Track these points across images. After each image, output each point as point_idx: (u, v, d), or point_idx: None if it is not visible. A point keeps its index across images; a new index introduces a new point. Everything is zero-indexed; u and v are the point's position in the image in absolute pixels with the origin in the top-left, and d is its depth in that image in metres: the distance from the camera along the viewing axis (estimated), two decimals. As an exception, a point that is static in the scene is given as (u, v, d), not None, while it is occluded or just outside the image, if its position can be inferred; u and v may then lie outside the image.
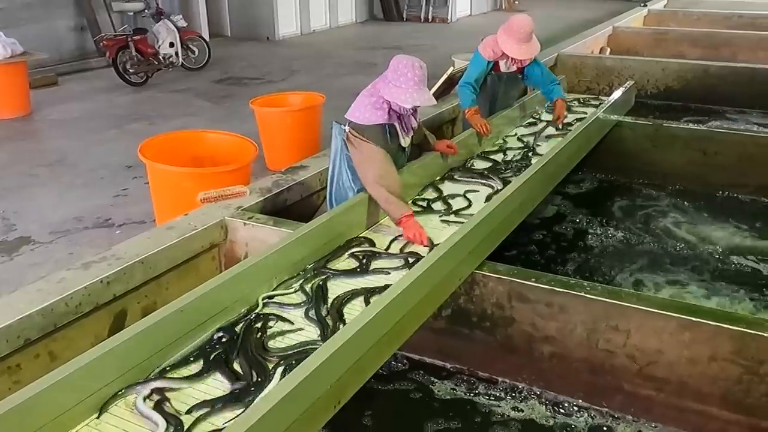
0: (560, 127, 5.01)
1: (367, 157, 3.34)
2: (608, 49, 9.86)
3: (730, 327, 2.69)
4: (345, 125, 3.46)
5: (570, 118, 5.38)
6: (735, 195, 5.38)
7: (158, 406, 2.14)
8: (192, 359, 2.39)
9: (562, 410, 3.06)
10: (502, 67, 4.80)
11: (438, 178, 4.12)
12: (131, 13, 10.47)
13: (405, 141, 3.56)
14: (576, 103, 6.01)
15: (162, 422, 2.06)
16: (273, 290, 2.84)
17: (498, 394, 3.15)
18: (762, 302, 3.97)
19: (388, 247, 3.26)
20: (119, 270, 2.94)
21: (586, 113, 5.56)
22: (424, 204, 3.77)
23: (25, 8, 9.80)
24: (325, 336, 2.49)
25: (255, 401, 2.08)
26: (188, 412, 2.14)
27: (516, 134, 5.07)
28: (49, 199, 5.44)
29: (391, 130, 3.43)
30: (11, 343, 2.54)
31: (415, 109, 3.57)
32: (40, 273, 3.94)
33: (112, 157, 6.38)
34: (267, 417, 1.87)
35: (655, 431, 2.95)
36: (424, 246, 3.22)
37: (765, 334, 2.63)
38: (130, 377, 2.23)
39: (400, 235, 3.31)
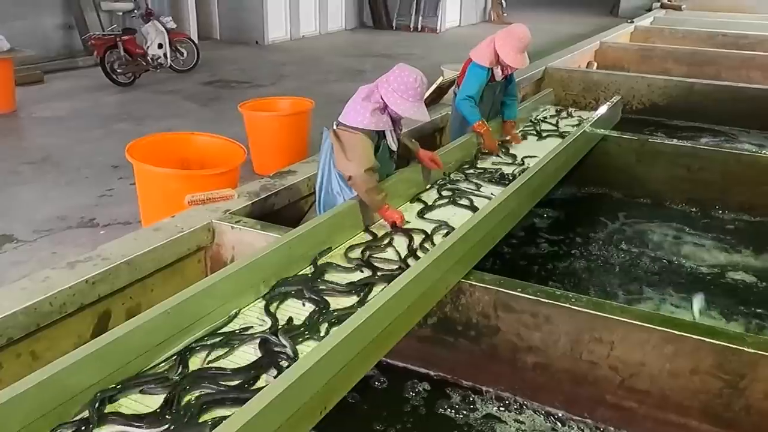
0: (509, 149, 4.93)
1: (354, 145, 3.33)
2: (595, 64, 9.96)
3: (712, 341, 2.72)
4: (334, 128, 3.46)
5: (559, 128, 5.44)
6: (718, 211, 5.44)
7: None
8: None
9: (545, 420, 3.07)
10: (497, 76, 4.79)
11: (428, 187, 4.14)
12: (120, 13, 10.42)
13: (393, 145, 3.58)
14: (563, 115, 6.07)
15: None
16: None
17: (482, 404, 3.16)
18: (743, 317, 4.02)
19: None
20: (105, 270, 2.91)
21: (572, 127, 5.62)
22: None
23: (12, 4, 9.73)
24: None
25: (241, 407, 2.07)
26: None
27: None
28: (32, 198, 5.39)
29: (381, 135, 3.47)
30: (-7, 341, 2.51)
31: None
32: (22, 272, 3.90)
33: (97, 156, 6.34)
34: (252, 422, 1.86)
35: (636, 443, 2.98)
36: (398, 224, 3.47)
37: (746, 349, 2.67)
38: (112, 380, 2.21)
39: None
